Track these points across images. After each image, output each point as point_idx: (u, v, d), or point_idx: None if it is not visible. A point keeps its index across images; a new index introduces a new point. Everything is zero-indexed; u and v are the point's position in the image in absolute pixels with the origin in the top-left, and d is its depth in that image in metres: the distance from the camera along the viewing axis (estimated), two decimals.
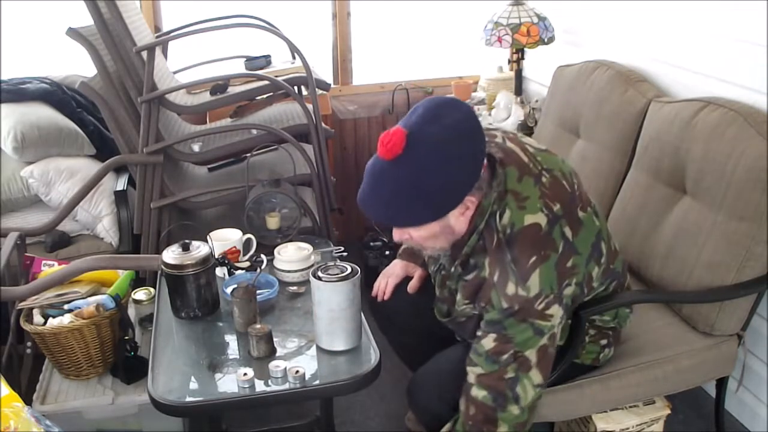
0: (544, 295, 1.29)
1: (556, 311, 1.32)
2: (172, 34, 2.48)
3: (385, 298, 1.73)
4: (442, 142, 1.19)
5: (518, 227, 1.29)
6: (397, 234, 1.33)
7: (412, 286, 1.72)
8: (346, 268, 1.45)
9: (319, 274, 1.44)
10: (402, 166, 1.19)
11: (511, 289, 1.29)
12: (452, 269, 1.42)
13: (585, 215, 1.38)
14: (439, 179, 1.19)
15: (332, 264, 1.47)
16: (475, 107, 2.79)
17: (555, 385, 1.57)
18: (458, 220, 1.29)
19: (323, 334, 1.47)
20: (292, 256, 1.79)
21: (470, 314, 1.42)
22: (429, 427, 1.60)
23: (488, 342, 1.33)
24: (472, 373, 1.36)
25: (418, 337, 1.77)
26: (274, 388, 1.38)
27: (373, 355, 1.45)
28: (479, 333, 1.36)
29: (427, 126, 1.20)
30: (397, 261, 1.78)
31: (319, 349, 1.48)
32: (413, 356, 1.75)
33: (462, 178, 1.22)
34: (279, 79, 2.28)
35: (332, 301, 1.42)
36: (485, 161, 1.26)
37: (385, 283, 1.75)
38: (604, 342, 1.59)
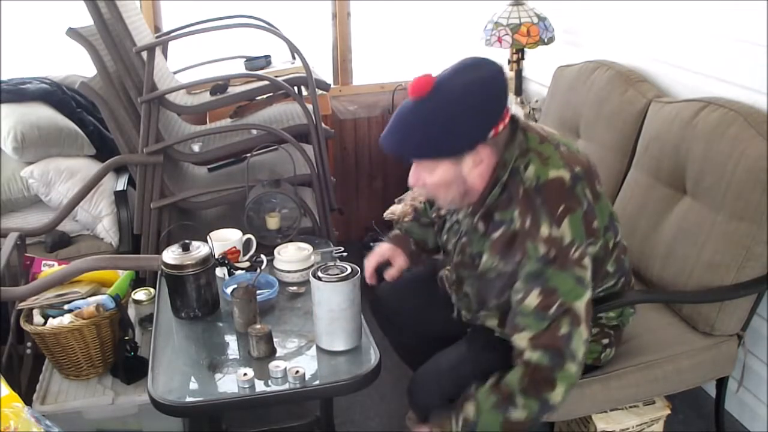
0: (577, 243, 1.29)
1: (588, 263, 1.31)
2: (172, 34, 2.48)
3: (368, 281, 1.68)
4: (466, 90, 1.27)
5: (543, 179, 1.32)
6: (413, 177, 1.38)
7: (389, 275, 1.69)
8: (346, 269, 1.45)
9: (319, 274, 1.44)
10: (425, 104, 1.28)
11: (545, 231, 1.28)
12: (474, 228, 1.42)
13: (601, 190, 1.41)
14: (456, 118, 1.27)
15: (332, 264, 1.47)
16: None
17: None
18: (471, 172, 1.33)
19: (323, 334, 1.47)
20: (292, 256, 1.79)
21: (499, 271, 1.38)
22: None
23: (533, 299, 1.29)
24: (521, 339, 1.30)
25: (419, 337, 1.77)
26: (274, 388, 1.38)
27: (373, 355, 1.45)
28: (519, 295, 1.31)
29: (456, 76, 1.30)
30: (385, 243, 1.75)
31: (319, 350, 1.48)
32: (414, 356, 1.75)
33: (479, 124, 1.29)
34: (279, 79, 2.28)
35: (332, 302, 1.42)
36: (507, 122, 1.33)
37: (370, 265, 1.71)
38: (605, 341, 1.59)
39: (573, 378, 1.29)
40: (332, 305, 1.42)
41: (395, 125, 1.33)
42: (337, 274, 1.43)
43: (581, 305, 1.30)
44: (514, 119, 1.37)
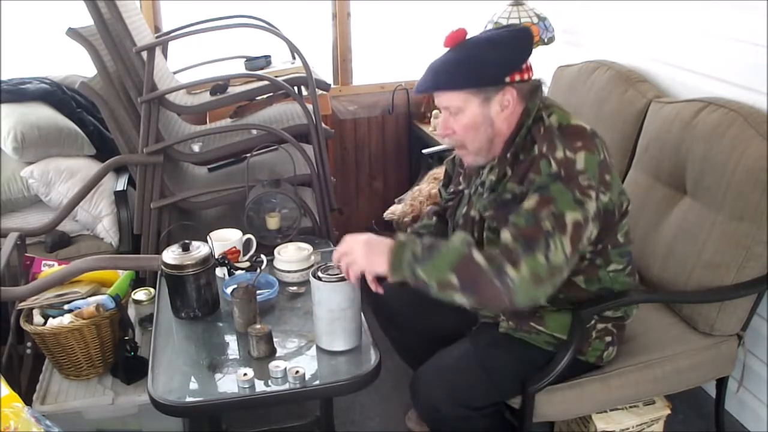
0: (588, 175, 1.35)
1: (593, 196, 1.35)
2: (172, 34, 2.48)
3: (373, 289, 1.63)
4: (494, 35, 1.44)
5: (565, 124, 1.42)
6: (442, 127, 1.48)
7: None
8: None
9: (319, 274, 1.43)
10: (457, 49, 1.43)
11: (560, 153, 1.36)
12: (503, 176, 1.46)
13: (614, 162, 1.47)
14: (483, 54, 1.40)
15: (332, 264, 1.47)
16: None
17: (557, 383, 1.57)
18: (499, 115, 1.43)
19: (323, 334, 1.47)
20: (292, 256, 1.78)
21: (515, 193, 1.42)
22: (432, 423, 1.60)
23: (530, 202, 1.34)
24: (506, 232, 1.34)
25: (420, 336, 1.77)
26: (274, 388, 1.38)
27: (373, 355, 1.45)
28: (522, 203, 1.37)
29: (487, 31, 1.50)
30: None
31: (319, 350, 1.48)
32: (415, 356, 1.75)
33: (504, 61, 1.41)
34: (279, 79, 2.28)
35: (332, 302, 1.42)
36: (532, 76, 1.44)
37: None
38: (609, 339, 1.59)
39: (539, 270, 1.28)
40: (332, 305, 1.42)
41: (429, 69, 1.44)
42: (337, 274, 1.43)
43: (572, 219, 1.32)
44: (538, 82, 1.48)
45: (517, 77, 1.41)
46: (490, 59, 1.40)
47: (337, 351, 1.46)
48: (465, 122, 1.43)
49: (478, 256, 1.31)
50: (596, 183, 1.37)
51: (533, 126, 1.43)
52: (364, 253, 1.36)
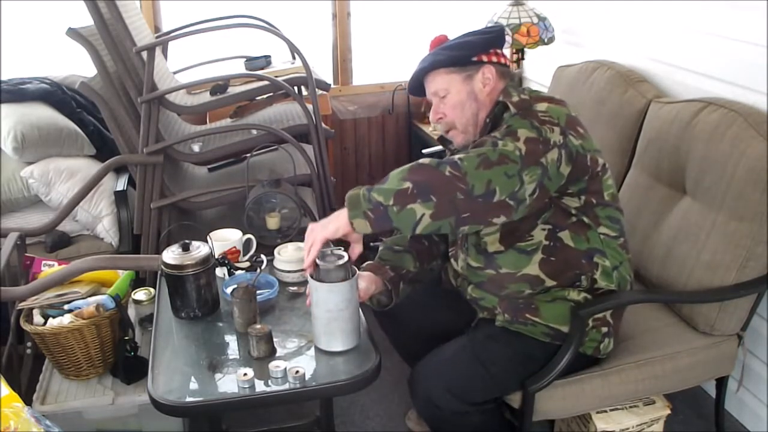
0: (550, 114, 1.44)
1: (556, 135, 1.40)
2: (172, 34, 2.48)
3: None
4: (470, 32, 1.59)
5: (538, 95, 1.53)
6: (433, 114, 1.59)
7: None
8: (342, 261, 1.43)
9: (319, 262, 1.42)
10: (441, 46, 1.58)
11: (518, 100, 1.49)
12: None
13: (607, 161, 1.58)
14: (460, 41, 1.56)
15: (328, 251, 1.44)
16: None
17: (557, 378, 1.56)
18: (482, 92, 1.54)
19: (321, 334, 1.46)
20: (292, 256, 1.78)
21: None
22: (430, 420, 1.60)
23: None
24: None
25: (419, 334, 1.77)
26: (274, 388, 1.38)
27: (373, 355, 1.45)
28: None
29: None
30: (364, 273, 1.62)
31: (319, 350, 1.48)
32: (414, 354, 1.75)
33: (481, 42, 1.55)
34: (279, 79, 2.28)
35: (329, 302, 1.41)
36: (505, 62, 1.58)
37: None
38: (605, 330, 1.59)
39: (488, 154, 1.33)
40: (330, 305, 1.41)
41: (415, 70, 1.59)
42: (334, 263, 1.42)
43: (524, 134, 1.38)
44: (508, 67, 1.60)
45: (494, 58, 1.55)
46: (466, 41, 1.55)
47: (336, 351, 1.46)
48: (452, 102, 1.54)
49: (426, 159, 1.37)
50: (563, 124, 1.43)
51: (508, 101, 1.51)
52: (321, 225, 1.41)
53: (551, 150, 1.39)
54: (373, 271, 1.62)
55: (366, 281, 1.56)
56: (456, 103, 1.54)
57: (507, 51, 2.74)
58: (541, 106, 1.46)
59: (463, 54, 1.54)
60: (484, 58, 1.53)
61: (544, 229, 1.51)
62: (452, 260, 1.71)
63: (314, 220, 2.34)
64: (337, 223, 1.38)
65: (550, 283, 1.54)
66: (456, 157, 1.34)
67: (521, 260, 1.53)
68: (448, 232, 1.49)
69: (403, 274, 1.65)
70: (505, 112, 1.50)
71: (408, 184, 1.31)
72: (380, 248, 1.74)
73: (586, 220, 1.52)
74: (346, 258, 1.44)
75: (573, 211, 1.51)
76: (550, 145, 1.39)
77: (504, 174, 1.32)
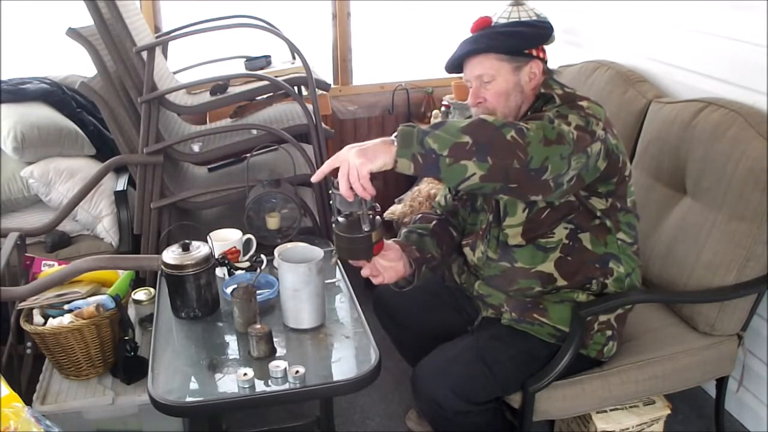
0: (593, 111, 1.43)
1: (598, 129, 1.40)
2: (172, 34, 2.48)
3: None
4: (520, 22, 1.57)
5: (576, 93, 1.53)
6: (472, 97, 1.53)
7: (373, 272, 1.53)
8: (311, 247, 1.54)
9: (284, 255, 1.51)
10: (485, 30, 1.55)
11: (562, 93, 1.50)
12: None
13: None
14: (514, 30, 1.54)
15: (366, 205, 1.36)
16: None
17: (558, 379, 1.57)
18: (528, 84, 1.51)
19: (288, 311, 1.53)
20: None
21: None
22: (432, 419, 1.60)
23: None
24: None
25: (421, 334, 1.77)
26: (274, 388, 1.38)
27: (373, 355, 1.45)
28: None
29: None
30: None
31: (319, 350, 1.48)
32: (415, 354, 1.75)
33: (533, 35, 1.53)
34: (279, 79, 2.28)
35: (295, 281, 1.48)
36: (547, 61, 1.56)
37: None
38: (609, 333, 1.60)
39: (547, 132, 1.27)
40: (296, 285, 1.48)
41: (463, 43, 1.55)
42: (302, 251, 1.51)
43: (575, 119, 1.38)
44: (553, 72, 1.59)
45: (541, 54, 1.53)
46: (520, 31, 1.52)
47: (303, 329, 1.52)
48: (497, 89, 1.50)
49: (488, 116, 1.31)
50: (603, 121, 1.43)
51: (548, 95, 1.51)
52: (363, 154, 1.23)
53: (595, 142, 1.38)
54: (401, 248, 1.58)
55: (395, 254, 1.53)
56: (502, 91, 1.50)
57: None
58: (583, 103, 1.46)
59: (517, 44, 1.51)
60: (534, 53, 1.52)
61: (566, 228, 1.51)
62: (467, 250, 1.68)
63: (314, 220, 2.34)
64: (385, 157, 1.23)
65: (561, 282, 1.54)
66: (522, 124, 1.27)
67: (538, 256, 1.53)
68: (485, 193, 1.49)
69: (428, 258, 1.61)
70: (545, 105, 1.50)
71: (468, 139, 1.21)
72: (403, 231, 1.70)
73: (608, 223, 1.52)
74: (379, 221, 1.38)
75: (598, 213, 1.51)
76: (595, 137, 1.39)
77: (559, 155, 1.28)
